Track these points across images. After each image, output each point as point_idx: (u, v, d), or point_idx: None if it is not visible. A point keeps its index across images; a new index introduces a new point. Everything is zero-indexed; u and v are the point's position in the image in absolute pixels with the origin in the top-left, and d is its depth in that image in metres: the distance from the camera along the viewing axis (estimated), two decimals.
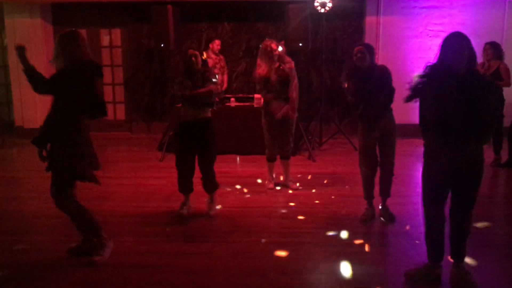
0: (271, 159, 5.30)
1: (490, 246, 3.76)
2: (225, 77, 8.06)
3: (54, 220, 4.40)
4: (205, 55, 7.51)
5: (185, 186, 4.42)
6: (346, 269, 3.34)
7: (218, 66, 7.75)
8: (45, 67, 8.70)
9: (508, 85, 6.22)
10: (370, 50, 4.05)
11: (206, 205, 4.52)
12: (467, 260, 3.26)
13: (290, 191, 5.20)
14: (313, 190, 5.24)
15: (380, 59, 8.15)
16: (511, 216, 4.58)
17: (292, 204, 4.78)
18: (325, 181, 5.59)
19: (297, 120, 5.53)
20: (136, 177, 5.90)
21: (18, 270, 3.37)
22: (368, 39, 8.39)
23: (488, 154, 6.52)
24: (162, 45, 7.21)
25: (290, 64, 5.14)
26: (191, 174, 4.40)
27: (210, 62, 7.53)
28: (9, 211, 4.67)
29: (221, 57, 7.93)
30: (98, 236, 3.49)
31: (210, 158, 4.39)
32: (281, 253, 3.61)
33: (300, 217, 4.39)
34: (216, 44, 7.73)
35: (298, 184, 5.33)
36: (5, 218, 4.46)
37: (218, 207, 4.53)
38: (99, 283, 3.17)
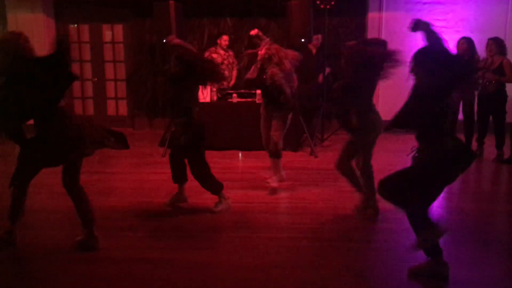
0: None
1: (491, 243, 3.76)
2: (234, 73, 8.01)
3: (56, 215, 4.42)
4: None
5: (174, 176, 4.47)
6: (348, 264, 3.34)
7: (226, 62, 7.73)
8: None
9: (511, 81, 6.20)
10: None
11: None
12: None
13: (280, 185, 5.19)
14: (315, 186, 5.24)
15: None
16: None
17: (293, 199, 4.78)
18: (326, 177, 5.58)
19: (295, 115, 5.46)
20: (138, 173, 5.91)
21: (20, 265, 3.39)
22: (370, 35, 8.37)
23: (491, 150, 6.53)
24: (164, 40, 7.20)
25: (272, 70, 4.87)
26: (178, 165, 4.42)
27: (219, 58, 7.51)
28: None
29: (230, 53, 7.90)
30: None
31: (190, 159, 4.33)
32: (282, 249, 3.62)
33: (302, 213, 4.40)
34: (224, 39, 7.72)
35: (270, 182, 5.10)
36: (6, 214, 4.46)
37: (225, 206, 4.48)
38: (101, 278, 3.18)
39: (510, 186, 5.70)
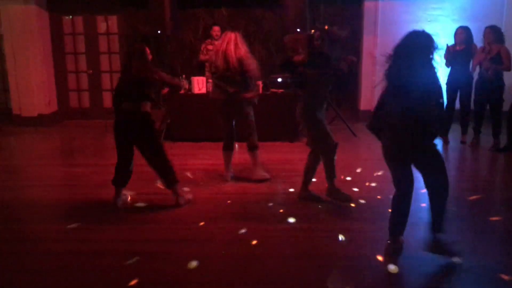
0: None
1: (487, 232, 3.76)
2: None
3: (53, 208, 4.40)
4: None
5: (117, 178, 4.43)
6: (344, 255, 3.34)
7: None
8: (41, 55, 8.65)
9: (509, 69, 6.18)
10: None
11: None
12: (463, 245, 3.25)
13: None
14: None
15: (379, 44, 8.10)
16: (509, 201, 4.57)
17: (289, 189, 4.77)
18: (323, 167, 5.54)
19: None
20: (134, 165, 5.85)
21: (16, 260, 3.38)
22: (366, 24, 8.34)
23: (488, 138, 6.53)
24: (159, 31, 7.15)
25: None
26: (126, 165, 4.42)
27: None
28: (7, 199, 4.66)
29: None
30: None
31: (152, 155, 4.36)
32: (278, 239, 3.62)
33: (299, 203, 4.39)
34: (215, 30, 7.67)
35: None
36: (3, 207, 4.45)
37: (190, 196, 4.49)
38: (95, 270, 3.17)
39: (506, 175, 5.71)
